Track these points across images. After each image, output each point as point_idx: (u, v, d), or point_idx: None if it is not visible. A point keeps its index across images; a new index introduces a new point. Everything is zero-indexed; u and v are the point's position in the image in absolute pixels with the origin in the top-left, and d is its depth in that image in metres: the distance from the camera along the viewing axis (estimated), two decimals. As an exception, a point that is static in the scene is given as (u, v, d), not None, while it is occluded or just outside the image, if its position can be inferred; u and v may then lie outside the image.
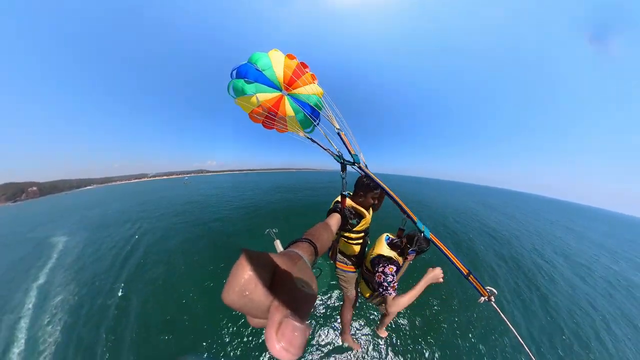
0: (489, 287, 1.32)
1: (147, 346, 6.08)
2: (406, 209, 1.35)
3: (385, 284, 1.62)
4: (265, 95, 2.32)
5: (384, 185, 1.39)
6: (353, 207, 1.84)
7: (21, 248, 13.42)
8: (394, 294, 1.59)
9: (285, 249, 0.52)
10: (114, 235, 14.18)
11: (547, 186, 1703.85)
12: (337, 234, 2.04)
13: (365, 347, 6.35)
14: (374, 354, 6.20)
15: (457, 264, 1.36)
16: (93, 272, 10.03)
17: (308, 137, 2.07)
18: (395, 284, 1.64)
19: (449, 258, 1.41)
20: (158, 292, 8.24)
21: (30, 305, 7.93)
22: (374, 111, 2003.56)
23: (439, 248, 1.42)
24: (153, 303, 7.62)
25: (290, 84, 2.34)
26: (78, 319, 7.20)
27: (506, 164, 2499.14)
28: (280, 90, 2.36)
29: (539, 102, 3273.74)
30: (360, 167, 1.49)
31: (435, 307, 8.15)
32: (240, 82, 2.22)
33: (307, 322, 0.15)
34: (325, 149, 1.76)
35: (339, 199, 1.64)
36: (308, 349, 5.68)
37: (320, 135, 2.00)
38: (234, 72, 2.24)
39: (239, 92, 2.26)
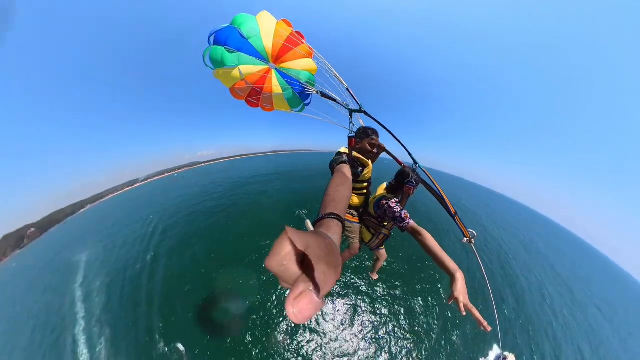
0: (471, 230, 1.51)
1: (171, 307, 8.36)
2: (404, 146, 1.66)
3: (398, 216, 1.66)
4: (250, 68, 1.97)
5: (384, 125, 1.62)
6: (355, 157, 1.85)
7: (52, 273, 15.03)
8: (411, 222, 1.58)
9: (314, 225, 0.58)
10: (128, 237, 16.26)
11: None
12: None
13: (358, 287, 8.99)
14: (367, 292, 8.73)
15: (448, 203, 1.54)
16: (121, 262, 12.62)
17: (317, 92, 2.02)
18: (406, 212, 1.69)
19: (440, 194, 1.58)
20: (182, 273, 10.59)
21: (80, 293, 11.21)
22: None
23: (432, 183, 1.70)
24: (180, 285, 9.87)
25: (280, 56, 1.97)
26: (117, 290, 10.30)
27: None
28: (268, 63, 2.00)
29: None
30: (365, 113, 1.67)
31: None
32: (220, 51, 1.83)
33: (323, 299, 0.18)
34: (334, 100, 1.87)
35: (341, 150, 1.71)
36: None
37: (318, 101, 2.16)
38: (212, 38, 1.85)
39: (218, 63, 1.88)
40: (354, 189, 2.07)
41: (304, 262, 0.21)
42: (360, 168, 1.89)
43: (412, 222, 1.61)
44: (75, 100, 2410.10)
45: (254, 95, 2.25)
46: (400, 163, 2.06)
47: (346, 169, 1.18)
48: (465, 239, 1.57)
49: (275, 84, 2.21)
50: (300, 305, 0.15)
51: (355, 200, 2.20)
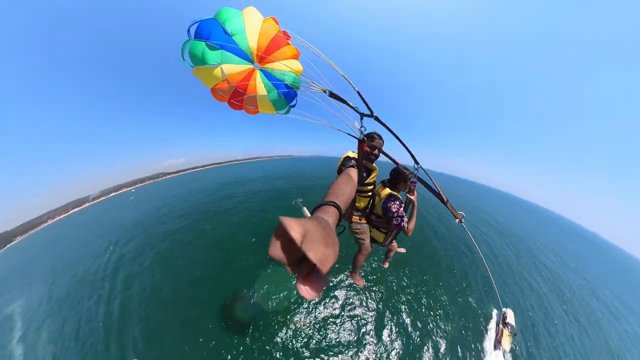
0: (460, 212, 1.81)
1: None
2: (409, 150, 1.81)
3: (403, 223, 1.96)
4: (233, 67, 1.86)
5: (393, 131, 1.74)
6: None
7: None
8: (407, 225, 1.96)
9: (312, 213, 0.60)
10: (76, 269, 13.98)
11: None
12: None
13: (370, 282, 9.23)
14: (380, 285, 9.04)
15: (441, 193, 1.78)
16: (71, 300, 10.76)
17: (325, 92, 1.87)
18: (404, 214, 2.01)
19: (434, 188, 1.82)
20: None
21: (20, 351, 8.88)
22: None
23: (429, 180, 1.97)
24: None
25: (265, 56, 1.90)
26: (72, 333, 8.67)
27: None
28: (252, 63, 1.92)
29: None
30: (377, 118, 1.75)
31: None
32: (201, 47, 1.70)
33: (327, 275, 0.23)
34: (346, 103, 1.85)
35: (349, 154, 1.76)
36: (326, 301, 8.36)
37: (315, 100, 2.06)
38: (192, 30, 1.72)
39: (198, 60, 1.74)
40: (359, 191, 2.16)
41: (303, 246, 0.23)
42: (365, 173, 2.00)
43: (404, 223, 1.93)
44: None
45: (237, 96, 2.12)
46: (396, 163, 2.23)
47: (353, 172, 1.23)
48: (457, 220, 1.81)
49: (260, 86, 2.12)
50: (309, 283, 0.19)
51: (363, 202, 2.28)
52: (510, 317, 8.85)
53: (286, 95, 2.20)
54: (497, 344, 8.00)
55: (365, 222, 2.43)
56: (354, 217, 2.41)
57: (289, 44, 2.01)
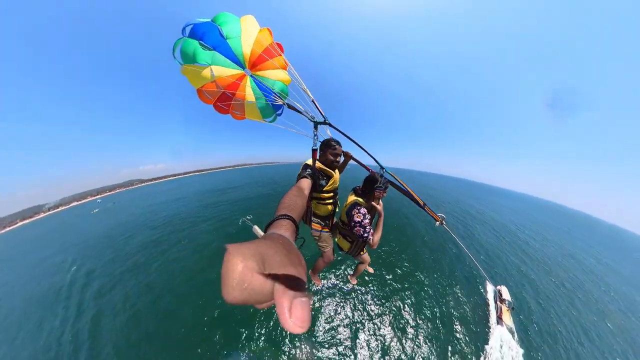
0: (440, 214, 1.88)
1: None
2: (370, 154, 1.90)
3: (365, 235, 1.84)
4: (223, 70, 1.85)
5: (349, 136, 1.90)
6: (320, 168, 1.92)
7: None
8: (372, 238, 1.85)
9: (265, 230, 0.56)
10: (25, 298, 12.56)
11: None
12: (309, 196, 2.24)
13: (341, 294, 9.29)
14: (346, 297, 9.08)
15: (415, 197, 1.86)
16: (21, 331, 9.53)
17: (285, 104, 2.09)
18: (371, 229, 1.88)
19: (408, 192, 1.88)
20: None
21: None
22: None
23: (399, 184, 1.93)
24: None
25: (256, 63, 1.93)
26: None
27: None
28: (243, 68, 1.92)
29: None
30: (330, 125, 1.84)
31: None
32: (193, 45, 1.71)
33: (307, 294, 0.17)
34: (300, 112, 2.00)
35: (308, 162, 1.77)
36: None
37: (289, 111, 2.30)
38: (188, 29, 1.71)
39: (189, 58, 1.74)
40: (320, 199, 2.10)
41: (267, 272, 0.17)
42: (325, 179, 1.93)
43: (367, 235, 1.84)
44: None
45: (224, 100, 2.11)
46: (367, 169, 2.19)
47: (305, 184, 1.26)
48: (437, 222, 1.86)
49: (249, 92, 2.12)
50: (296, 315, 0.14)
51: (323, 209, 2.19)
52: (505, 293, 9.61)
53: (274, 104, 2.25)
54: (499, 320, 8.65)
55: (327, 230, 2.31)
56: (314, 224, 2.29)
57: (281, 55, 2.06)
